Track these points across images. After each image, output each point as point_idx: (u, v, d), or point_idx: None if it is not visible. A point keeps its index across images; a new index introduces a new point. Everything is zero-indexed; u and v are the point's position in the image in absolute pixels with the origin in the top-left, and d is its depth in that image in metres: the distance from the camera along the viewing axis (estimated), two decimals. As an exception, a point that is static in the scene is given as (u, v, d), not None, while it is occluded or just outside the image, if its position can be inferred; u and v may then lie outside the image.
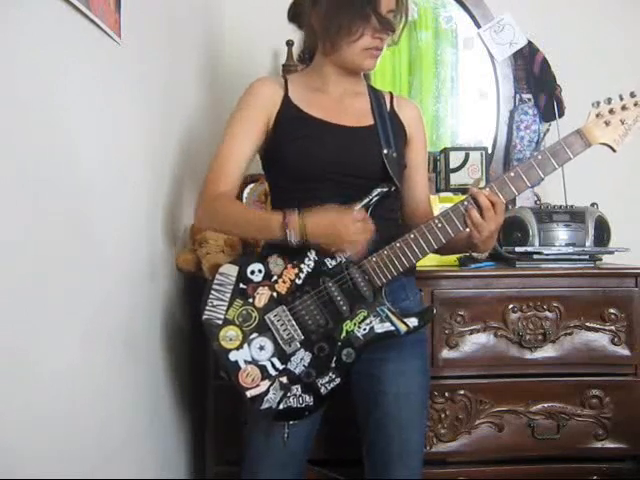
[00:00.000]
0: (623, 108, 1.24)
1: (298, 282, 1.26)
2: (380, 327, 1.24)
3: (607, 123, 1.24)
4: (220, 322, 1.26)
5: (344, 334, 1.25)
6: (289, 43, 2.00)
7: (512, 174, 1.25)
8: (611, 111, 1.24)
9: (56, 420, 1.00)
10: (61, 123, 1.02)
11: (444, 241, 1.25)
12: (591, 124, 1.25)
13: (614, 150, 1.26)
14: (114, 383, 1.26)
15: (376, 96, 1.43)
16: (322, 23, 1.32)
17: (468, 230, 1.26)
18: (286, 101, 1.36)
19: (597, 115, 1.25)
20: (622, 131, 1.24)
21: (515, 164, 2.09)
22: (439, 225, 1.25)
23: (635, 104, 1.24)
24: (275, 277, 1.26)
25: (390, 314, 1.24)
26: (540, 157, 1.25)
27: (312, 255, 1.26)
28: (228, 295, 1.26)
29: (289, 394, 1.24)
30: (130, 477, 1.31)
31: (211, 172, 1.36)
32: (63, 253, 1.03)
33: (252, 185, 1.90)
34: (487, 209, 1.22)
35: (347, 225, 1.19)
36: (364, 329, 1.25)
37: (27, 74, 0.91)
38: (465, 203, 1.24)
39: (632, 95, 1.25)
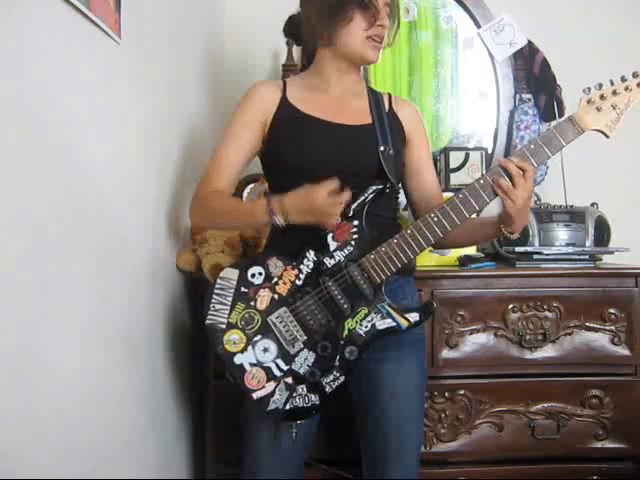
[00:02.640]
0: (614, 93, 1.22)
1: (298, 283, 1.27)
2: (381, 323, 1.25)
3: (598, 109, 1.22)
4: (223, 326, 1.26)
5: (346, 332, 1.25)
6: (289, 43, 2.00)
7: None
8: (602, 96, 1.22)
9: (57, 420, 1.00)
10: (61, 123, 1.02)
11: (441, 235, 1.25)
12: (582, 110, 1.23)
13: (607, 136, 1.24)
14: (115, 383, 1.26)
15: (375, 97, 1.43)
16: (317, 11, 1.34)
17: (474, 217, 1.27)
18: (283, 102, 1.37)
19: (588, 101, 1.23)
20: (614, 116, 1.22)
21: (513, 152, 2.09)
22: (435, 219, 1.25)
23: (626, 88, 1.22)
24: (275, 279, 1.27)
25: (391, 310, 1.25)
26: (533, 146, 1.24)
27: (311, 255, 1.26)
28: (230, 299, 1.27)
29: (295, 394, 1.25)
30: (130, 477, 1.31)
31: (205, 174, 1.39)
32: (64, 253, 1.03)
33: (252, 185, 1.90)
34: (518, 175, 1.22)
35: (319, 196, 1.19)
36: (366, 326, 1.25)
37: (27, 74, 0.91)
38: (464, 193, 1.25)
39: (623, 79, 1.23)
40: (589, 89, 1.23)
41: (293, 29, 1.47)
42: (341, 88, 1.40)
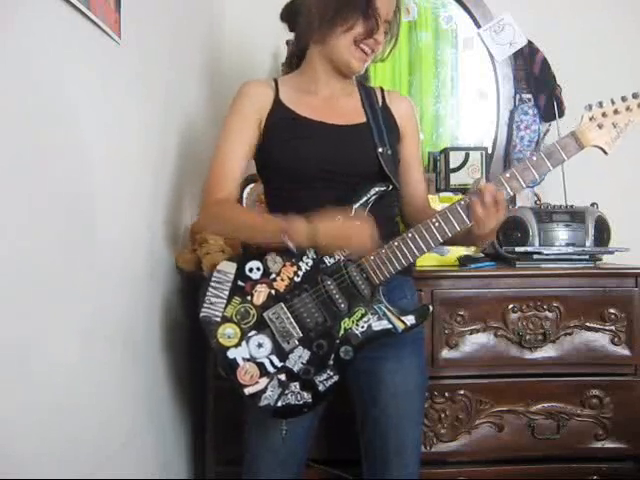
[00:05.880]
0: (615, 112, 1.26)
1: (297, 280, 1.26)
2: (378, 325, 1.25)
3: (600, 126, 1.26)
4: (218, 319, 1.26)
5: (342, 332, 1.25)
6: (289, 43, 2.00)
7: (508, 175, 1.26)
8: (604, 114, 1.26)
9: (56, 420, 1.00)
10: (60, 123, 1.02)
11: (441, 240, 1.25)
12: (585, 127, 1.26)
13: (606, 153, 1.28)
14: (114, 383, 1.26)
15: (367, 92, 1.43)
16: (322, 6, 1.32)
17: (467, 227, 1.25)
18: (277, 103, 1.37)
19: (590, 118, 1.27)
20: (614, 134, 1.27)
21: (515, 164, 2.10)
22: (436, 224, 1.25)
23: (627, 108, 1.26)
24: (274, 275, 1.26)
25: (387, 312, 1.25)
26: (535, 158, 1.26)
27: (311, 253, 1.26)
28: (226, 292, 1.26)
29: (287, 391, 1.25)
30: (130, 477, 1.31)
31: (210, 178, 1.37)
32: (63, 252, 1.03)
33: (252, 185, 1.90)
34: (491, 205, 1.22)
35: (354, 227, 1.20)
36: (362, 327, 1.25)
37: (27, 74, 0.92)
38: (466, 200, 1.24)
39: (624, 99, 1.26)
40: (590, 106, 1.27)
41: (290, 15, 1.45)
42: (330, 90, 1.40)
